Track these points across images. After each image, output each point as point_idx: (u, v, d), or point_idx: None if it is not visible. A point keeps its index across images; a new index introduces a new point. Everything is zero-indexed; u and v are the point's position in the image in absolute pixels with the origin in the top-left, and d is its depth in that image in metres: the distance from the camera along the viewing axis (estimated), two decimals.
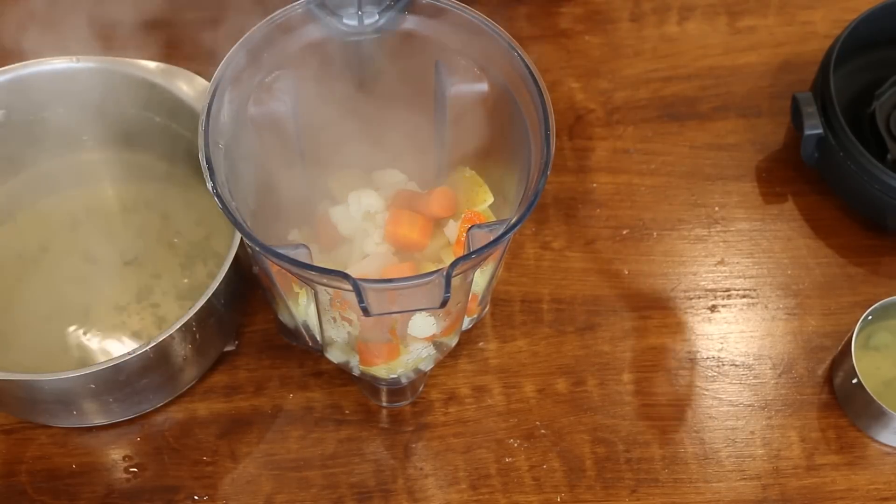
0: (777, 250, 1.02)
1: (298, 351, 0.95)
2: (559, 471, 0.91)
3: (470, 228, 0.73)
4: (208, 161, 0.74)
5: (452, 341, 0.86)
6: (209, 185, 0.73)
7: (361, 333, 0.82)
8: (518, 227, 0.72)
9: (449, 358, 0.94)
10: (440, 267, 0.69)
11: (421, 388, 0.93)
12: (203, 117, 0.75)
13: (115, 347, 0.93)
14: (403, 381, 0.88)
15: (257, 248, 0.71)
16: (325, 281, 0.72)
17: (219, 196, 0.73)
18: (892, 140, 1.02)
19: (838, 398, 0.95)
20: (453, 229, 0.84)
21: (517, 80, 0.79)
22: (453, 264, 0.69)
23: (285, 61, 0.81)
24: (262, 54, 0.79)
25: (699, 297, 1.00)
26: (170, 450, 0.91)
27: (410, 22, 0.82)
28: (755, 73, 1.12)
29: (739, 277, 1.01)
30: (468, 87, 0.82)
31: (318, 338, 0.84)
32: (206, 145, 0.74)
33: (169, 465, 0.90)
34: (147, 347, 0.81)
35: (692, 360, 0.97)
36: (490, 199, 0.86)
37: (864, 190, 0.98)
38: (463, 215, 0.84)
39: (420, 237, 0.85)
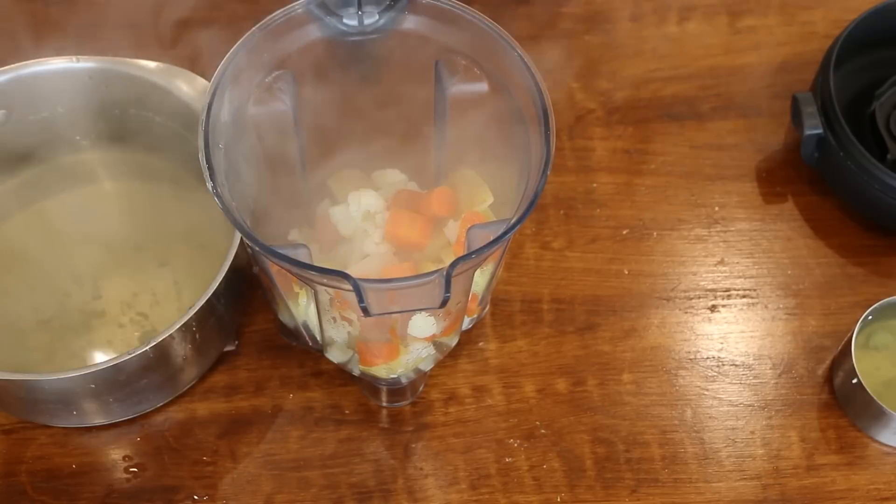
0: (777, 250, 1.02)
1: (298, 351, 0.95)
2: (559, 471, 0.91)
3: (470, 228, 0.73)
4: (208, 161, 0.74)
5: (452, 341, 0.86)
6: (209, 185, 0.73)
7: (361, 333, 0.82)
8: (518, 226, 0.72)
9: (449, 358, 0.94)
10: (440, 267, 0.69)
11: (421, 388, 0.93)
12: (203, 117, 0.75)
13: (115, 346, 0.93)
14: (403, 381, 0.88)
15: (257, 248, 0.71)
16: (324, 281, 0.72)
17: (219, 196, 0.73)
18: (892, 140, 1.02)
19: (838, 398, 0.95)
20: (453, 229, 0.84)
21: (517, 80, 0.79)
22: (453, 264, 0.69)
23: (285, 61, 0.81)
24: (263, 54, 0.79)
25: (699, 297, 1.00)
26: (170, 450, 0.91)
27: (410, 22, 0.82)
28: (755, 73, 1.12)
29: (739, 277, 1.01)
30: (468, 87, 0.82)
31: (318, 338, 0.84)
32: (206, 145, 0.74)
33: (169, 465, 0.90)
34: (147, 347, 0.81)
35: (692, 360, 0.97)
36: (490, 199, 0.86)
37: (864, 190, 0.98)
38: (463, 215, 0.84)
39: (420, 237, 0.84)
